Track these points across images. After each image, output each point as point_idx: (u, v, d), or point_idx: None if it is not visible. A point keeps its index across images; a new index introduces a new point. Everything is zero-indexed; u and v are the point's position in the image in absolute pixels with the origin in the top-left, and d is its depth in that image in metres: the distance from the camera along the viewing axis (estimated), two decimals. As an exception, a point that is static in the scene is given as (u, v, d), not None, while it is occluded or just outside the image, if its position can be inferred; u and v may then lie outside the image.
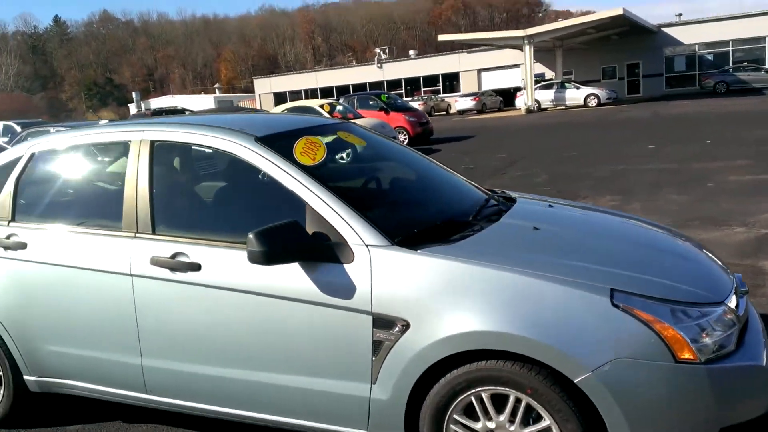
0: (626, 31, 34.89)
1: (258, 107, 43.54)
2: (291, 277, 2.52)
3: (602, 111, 28.50)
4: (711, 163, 10.51)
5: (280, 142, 2.85)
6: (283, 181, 2.66)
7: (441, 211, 3.01)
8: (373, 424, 2.51)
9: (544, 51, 35.72)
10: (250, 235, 2.41)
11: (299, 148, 2.87)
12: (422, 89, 43.44)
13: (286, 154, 2.76)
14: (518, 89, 37.10)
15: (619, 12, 28.60)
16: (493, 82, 42.98)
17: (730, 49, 37.84)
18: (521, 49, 33.80)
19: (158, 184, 2.93)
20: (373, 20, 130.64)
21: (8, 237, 3.19)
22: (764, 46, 36.90)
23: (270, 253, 2.39)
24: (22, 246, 3.13)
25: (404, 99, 33.67)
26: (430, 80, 45.31)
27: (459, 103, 37.62)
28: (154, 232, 2.86)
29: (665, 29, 38.62)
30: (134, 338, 2.89)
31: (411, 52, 50.58)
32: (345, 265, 2.46)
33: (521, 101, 33.95)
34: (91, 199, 3.26)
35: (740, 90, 32.24)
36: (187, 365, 2.81)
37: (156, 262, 2.78)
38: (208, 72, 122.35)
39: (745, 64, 35.51)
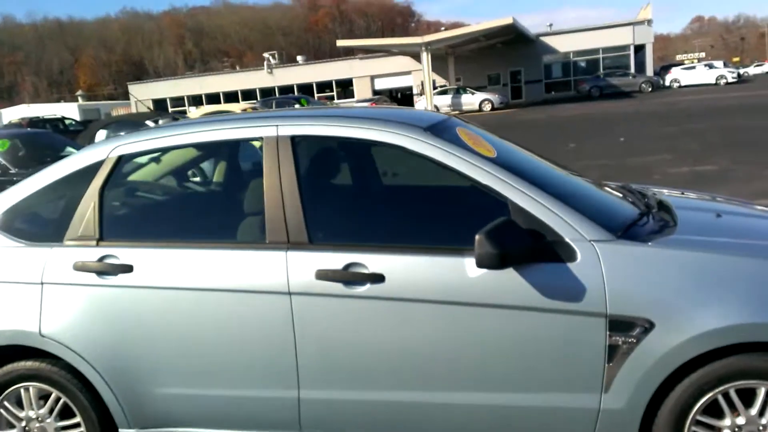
0: (510, 39, 36.60)
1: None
2: (503, 282, 2.28)
3: (499, 115, 29.63)
4: (643, 158, 11.19)
5: (446, 134, 2.58)
6: (475, 176, 2.40)
7: (621, 207, 2.74)
8: (601, 437, 2.32)
9: (436, 59, 36.60)
10: (479, 236, 2.15)
11: (466, 139, 2.62)
12: (315, 95, 43.02)
13: (465, 146, 2.50)
14: (412, 94, 37.82)
15: (510, 21, 29.96)
16: (386, 88, 43.53)
17: (600, 56, 40.80)
18: (417, 56, 34.50)
19: (307, 185, 2.55)
20: (248, 26, 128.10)
21: (101, 259, 2.63)
22: (629, 54, 40.13)
23: (505, 256, 2.14)
24: (126, 269, 2.59)
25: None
26: (324, 86, 45.02)
27: (359, 108, 37.65)
28: (311, 242, 2.48)
29: (543, 38, 40.94)
30: (291, 367, 2.48)
31: (299, 58, 49.99)
32: (569, 264, 2.26)
33: (420, 106, 34.65)
34: (207, 208, 2.79)
35: (612, 94, 34.86)
36: (361, 393, 2.45)
37: (324, 275, 2.41)
38: (65, 79, 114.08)
39: (615, 69, 38.54)
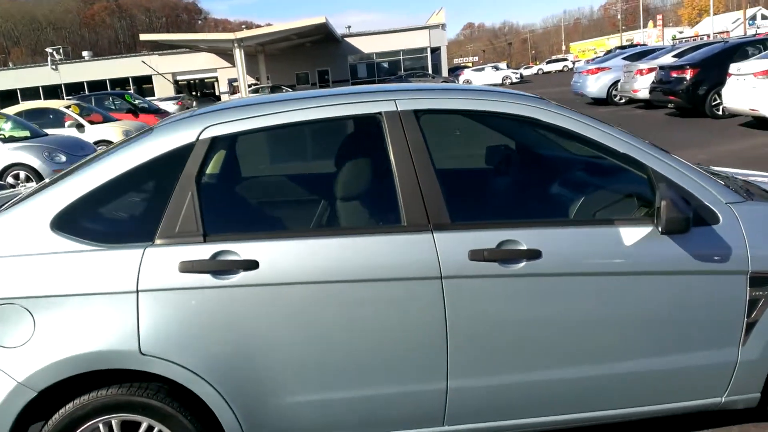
0: (319, 39, 37.04)
1: None
2: (659, 249, 2.31)
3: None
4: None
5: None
6: (613, 145, 2.39)
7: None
8: (732, 390, 2.46)
9: (246, 57, 35.73)
10: (666, 202, 2.17)
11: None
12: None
13: (591, 118, 2.49)
14: (216, 92, 36.49)
15: (322, 20, 30.27)
16: (186, 83, 41.51)
17: (401, 58, 43.03)
18: (225, 53, 33.33)
19: (439, 162, 2.35)
20: (11, 19, 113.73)
21: (215, 257, 2.18)
22: (426, 56, 42.87)
23: (689, 219, 2.18)
24: (250, 266, 2.17)
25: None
26: (118, 83, 41.50)
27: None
28: (453, 222, 2.29)
29: (348, 39, 42.05)
30: (440, 356, 2.27)
31: (84, 54, 45.55)
32: (714, 226, 2.36)
33: (232, 105, 33.52)
34: (322, 192, 2.42)
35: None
36: (521, 375, 2.33)
37: (479, 256, 2.24)
38: None
39: (415, 70, 40.88)
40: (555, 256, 2.27)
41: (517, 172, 2.70)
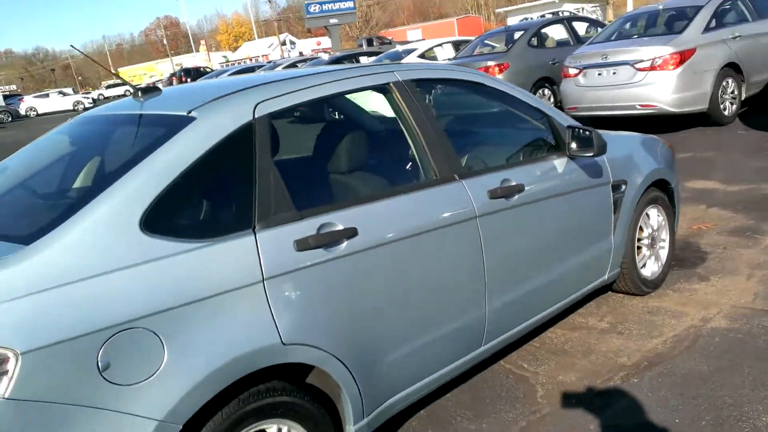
0: None
1: None
2: (579, 170, 3.15)
3: None
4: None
5: None
6: (530, 102, 3.14)
7: None
8: (610, 269, 3.48)
9: None
10: (596, 134, 2.98)
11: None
12: None
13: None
14: None
15: None
16: None
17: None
18: None
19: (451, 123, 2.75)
20: None
21: (319, 230, 2.11)
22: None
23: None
24: (351, 234, 2.17)
25: None
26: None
27: None
28: (468, 169, 2.71)
29: None
30: (482, 286, 2.67)
31: None
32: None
33: None
34: (376, 156, 2.48)
35: None
36: (524, 286, 2.89)
37: (494, 194, 2.70)
38: None
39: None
40: (533, 187, 2.90)
41: (496, 128, 3.23)
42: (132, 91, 2.42)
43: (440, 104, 3.51)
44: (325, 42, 62.75)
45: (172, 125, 2.05)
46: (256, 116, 2.15)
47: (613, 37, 8.66)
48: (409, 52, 12.73)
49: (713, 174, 6.19)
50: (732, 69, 7.78)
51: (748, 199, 5.34)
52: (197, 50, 77.08)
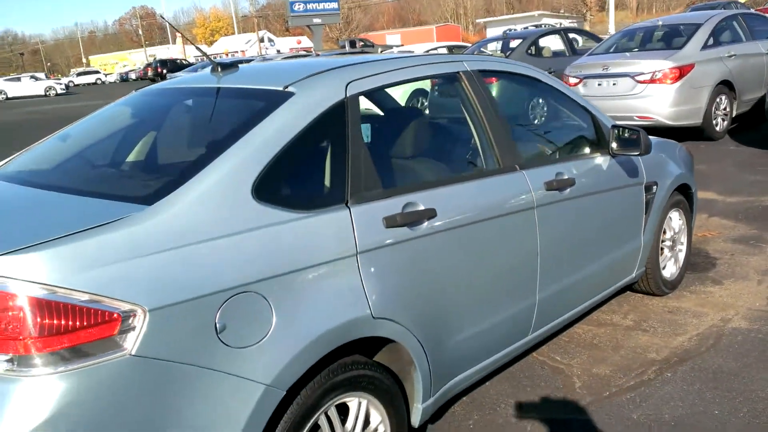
0: None
1: None
2: (619, 169, 3.26)
3: None
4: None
5: None
6: (578, 100, 3.23)
7: None
8: (638, 267, 3.59)
9: None
10: (640, 137, 3.08)
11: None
12: None
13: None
14: None
15: None
16: None
17: None
18: None
19: (518, 116, 2.83)
20: None
21: (404, 209, 2.16)
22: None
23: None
24: (431, 214, 2.23)
25: None
26: None
27: None
28: (528, 160, 2.80)
29: None
30: (535, 275, 2.74)
31: None
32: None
33: None
34: (448, 142, 2.60)
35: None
36: (568, 278, 2.97)
37: (550, 186, 2.78)
38: None
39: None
40: (582, 181, 2.99)
41: (547, 122, 3.30)
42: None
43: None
44: (305, 41, 62.67)
45: (271, 99, 2.08)
46: (348, 94, 2.19)
47: (611, 50, 8.87)
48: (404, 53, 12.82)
49: (711, 185, 6.39)
50: (726, 86, 8.04)
51: (748, 209, 5.54)
52: (174, 42, 76.00)
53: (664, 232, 3.85)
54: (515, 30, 19.67)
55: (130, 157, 2.35)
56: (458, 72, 2.66)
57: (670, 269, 3.96)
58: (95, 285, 1.46)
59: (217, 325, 1.64)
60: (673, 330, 3.53)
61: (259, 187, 1.84)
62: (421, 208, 2.22)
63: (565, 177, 2.88)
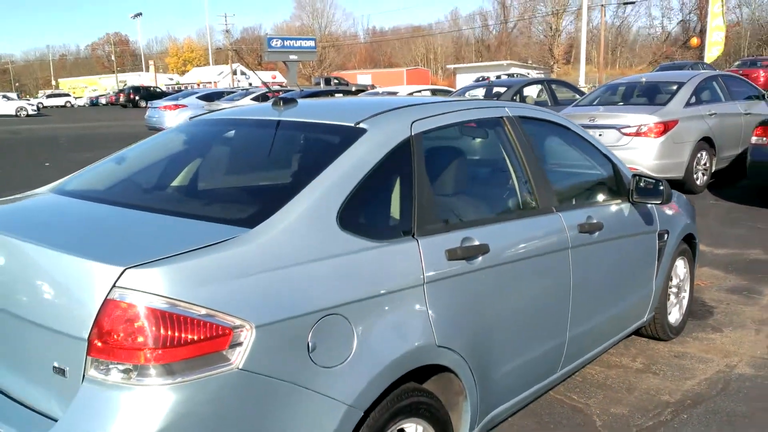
0: None
1: None
2: (638, 216, 3.40)
3: None
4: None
5: None
6: (601, 149, 3.37)
7: None
8: (650, 310, 3.71)
9: None
10: (662, 187, 3.23)
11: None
12: None
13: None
14: None
15: None
16: None
17: None
18: None
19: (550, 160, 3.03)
20: None
21: (462, 243, 2.22)
22: None
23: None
24: (484, 249, 2.31)
25: None
26: None
27: None
28: (560, 203, 2.89)
29: None
30: (567, 313, 2.82)
31: None
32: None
33: None
34: (497, 183, 2.77)
35: None
36: (593, 318, 3.06)
37: (582, 228, 2.89)
38: None
39: None
40: (611, 226, 3.12)
41: (574, 168, 3.42)
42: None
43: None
44: (279, 77, 63.18)
45: (345, 134, 2.18)
46: (413, 132, 2.30)
47: (595, 102, 9.22)
48: (390, 95, 13.08)
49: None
50: (706, 143, 8.41)
51: (737, 261, 5.76)
52: (146, 69, 75.78)
53: (671, 279, 3.99)
54: (486, 78, 20.29)
55: (218, 183, 2.42)
56: (502, 117, 2.78)
57: (675, 315, 4.09)
58: (211, 300, 1.49)
59: (309, 345, 1.68)
60: (682, 374, 3.63)
61: (343, 216, 1.92)
62: (477, 243, 2.30)
63: (594, 221, 2.99)
